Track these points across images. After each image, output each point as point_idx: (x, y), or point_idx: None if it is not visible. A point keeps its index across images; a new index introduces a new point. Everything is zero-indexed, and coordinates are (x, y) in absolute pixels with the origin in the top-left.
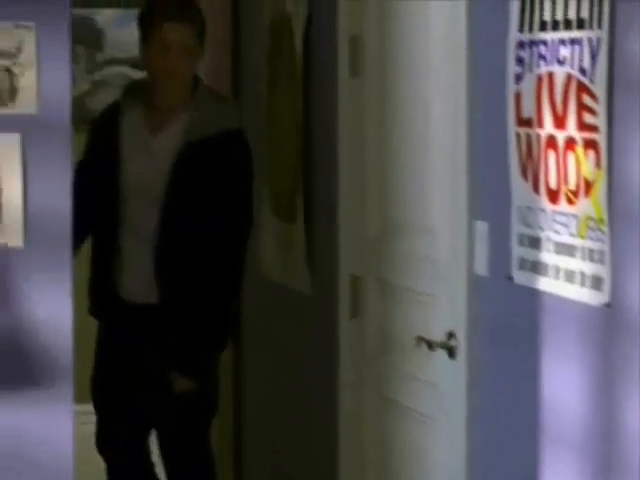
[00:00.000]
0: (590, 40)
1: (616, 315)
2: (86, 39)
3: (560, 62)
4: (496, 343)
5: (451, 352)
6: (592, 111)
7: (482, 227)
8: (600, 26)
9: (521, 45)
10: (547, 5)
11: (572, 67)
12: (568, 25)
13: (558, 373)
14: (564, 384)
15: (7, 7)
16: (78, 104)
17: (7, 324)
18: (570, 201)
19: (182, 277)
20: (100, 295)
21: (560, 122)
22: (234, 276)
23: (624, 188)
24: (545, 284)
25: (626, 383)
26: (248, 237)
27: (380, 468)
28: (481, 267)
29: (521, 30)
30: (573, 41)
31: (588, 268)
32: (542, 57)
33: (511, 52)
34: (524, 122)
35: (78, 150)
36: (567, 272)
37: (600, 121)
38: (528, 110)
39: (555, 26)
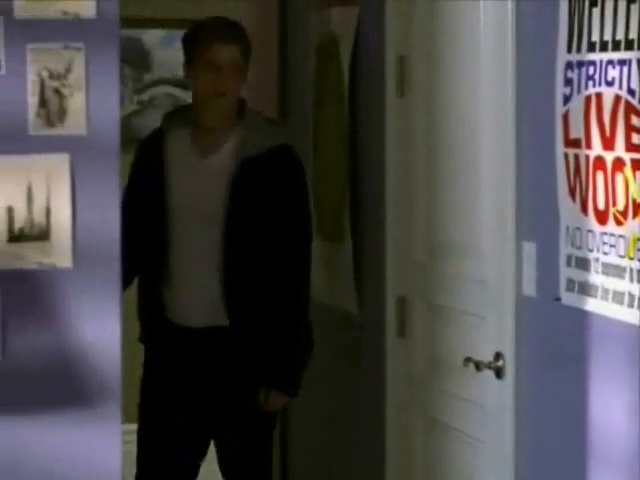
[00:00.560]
0: (639, 61)
1: None
2: (133, 59)
3: (609, 83)
4: (544, 364)
5: (498, 373)
6: None
7: (530, 248)
8: None
9: (569, 66)
10: (595, 26)
11: (620, 88)
12: (617, 46)
13: (606, 394)
14: (612, 405)
15: (57, 28)
16: (125, 124)
17: (56, 345)
18: (618, 222)
19: (250, 297)
20: (152, 320)
21: (608, 143)
22: (302, 287)
23: None
24: (593, 305)
25: None
26: (310, 249)
27: None
28: (529, 288)
29: (569, 51)
30: (622, 62)
31: (636, 289)
32: (590, 78)
33: (559, 73)
34: (572, 143)
35: (124, 170)
36: (615, 293)
37: None
38: (576, 131)
39: (604, 47)
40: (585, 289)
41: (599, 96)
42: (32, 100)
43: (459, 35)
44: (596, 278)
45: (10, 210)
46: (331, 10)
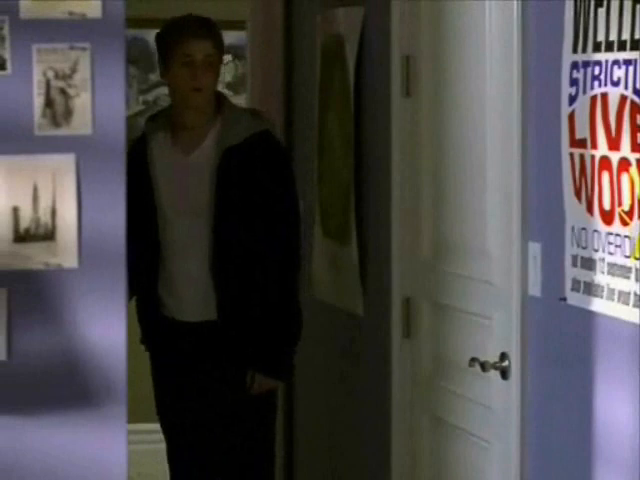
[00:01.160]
0: None
1: None
2: (139, 60)
3: (614, 83)
4: (549, 364)
5: (504, 373)
6: None
7: (535, 248)
8: None
9: (575, 66)
10: (601, 26)
11: (626, 88)
12: (622, 46)
13: (611, 394)
14: (617, 405)
15: (63, 28)
16: (130, 124)
17: (61, 344)
18: (624, 222)
19: (240, 288)
20: (150, 318)
21: (614, 143)
22: (289, 271)
23: None
24: (598, 305)
25: None
26: (298, 232)
27: None
28: (534, 288)
29: (575, 51)
30: (627, 62)
31: None
32: (596, 78)
33: (565, 73)
34: (578, 143)
35: None
36: (621, 293)
37: None
38: (582, 131)
39: (609, 47)
40: (591, 289)
41: (605, 96)
42: (38, 100)
43: (465, 35)
44: (602, 278)
45: (16, 210)
46: (336, 11)
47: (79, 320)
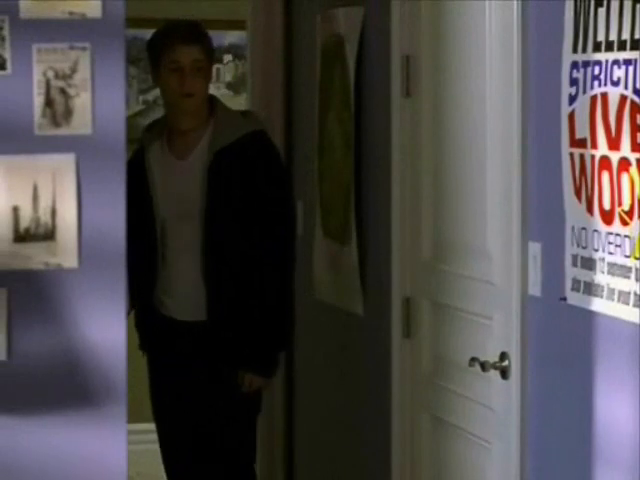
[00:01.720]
0: None
1: None
2: (138, 60)
3: (614, 83)
4: (549, 364)
5: (504, 373)
6: None
7: (536, 248)
8: None
9: (575, 66)
10: (601, 25)
11: (626, 88)
12: (622, 46)
13: (611, 394)
14: (617, 405)
15: (63, 28)
16: (130, 124)
17: (61, 344)
18: (624, 222)
19: (233, 289)
20: (148, 317)
21: (614, 143)
22: (280, 272)
23: None
24: (598, 305)
25: None
26: (292, 231)
27: None
28: (534, 288)
29: (575, 51)
30: (627, 62)
31: None
32: (596, 78)
33: (565, 73)
34: (578, 143)
35: None
36: (621, 293)
37: None
38: (582, 131)
39: (609, 47)
40: (591, 289)
41: (605, 96)
42: (38, 100)
43: (465, 35)
44: (602, 278)
45: (16, 210)
46: (336, 11)
47: (79, 320)
